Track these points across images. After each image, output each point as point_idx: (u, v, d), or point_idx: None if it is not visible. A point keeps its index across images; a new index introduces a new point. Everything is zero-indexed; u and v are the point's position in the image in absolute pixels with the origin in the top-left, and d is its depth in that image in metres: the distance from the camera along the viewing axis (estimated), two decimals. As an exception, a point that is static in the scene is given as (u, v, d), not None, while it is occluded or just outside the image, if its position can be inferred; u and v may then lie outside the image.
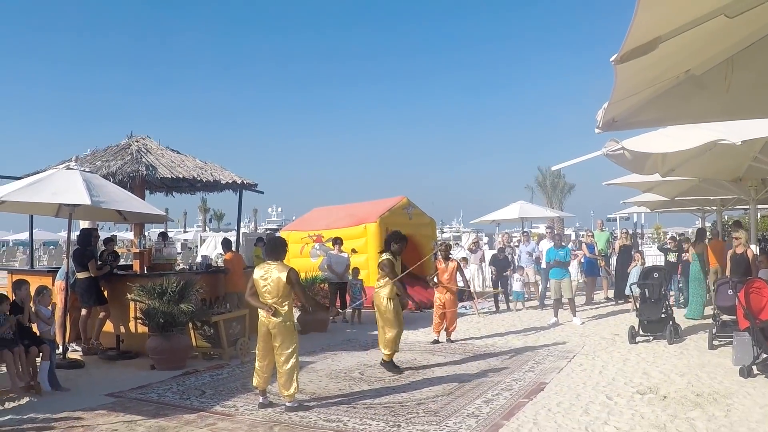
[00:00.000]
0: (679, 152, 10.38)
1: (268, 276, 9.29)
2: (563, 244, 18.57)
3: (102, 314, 13.63)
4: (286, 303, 9.31)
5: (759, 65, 5.81)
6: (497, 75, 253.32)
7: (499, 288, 21.42)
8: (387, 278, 11.88)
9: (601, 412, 8.85)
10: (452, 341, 14.88)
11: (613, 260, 23.68)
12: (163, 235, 17.24)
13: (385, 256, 12.07)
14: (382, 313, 11.91)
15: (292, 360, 9.28)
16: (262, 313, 9.32)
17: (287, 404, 9.27)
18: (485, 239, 50.48)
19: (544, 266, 21.10)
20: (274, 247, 9.69)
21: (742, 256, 14.24)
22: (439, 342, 14.77)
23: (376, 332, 12.89)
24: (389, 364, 11.81)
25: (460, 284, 17.09)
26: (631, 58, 4.45)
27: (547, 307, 20.83)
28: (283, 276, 9.20)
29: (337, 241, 19.41)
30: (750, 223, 16.22)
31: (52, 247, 52.49)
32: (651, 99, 6.10)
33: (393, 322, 11.83)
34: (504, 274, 21.35)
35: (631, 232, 35.32)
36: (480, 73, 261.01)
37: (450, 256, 15.81)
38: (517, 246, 25.13)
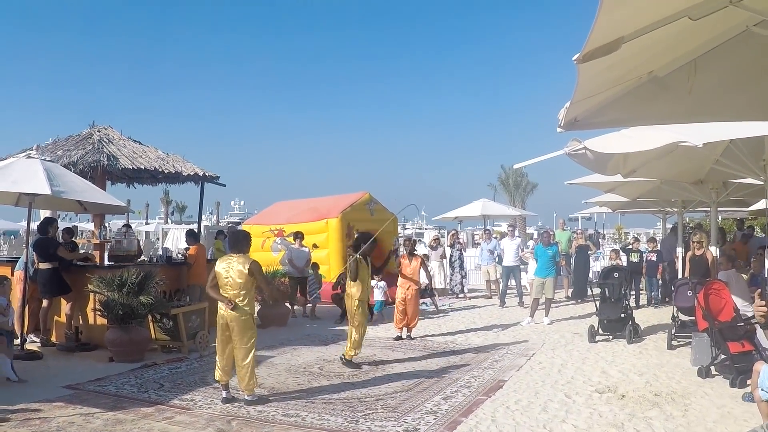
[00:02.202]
0: (640, 153, 10.41)
1: (229, 268, 9.28)
2: (552, 242, 18.38)
3: (68, 304, 13.54)
4: (247, 297, 9.29)
5: (722, 68, 5.84)
6: (467, 75, 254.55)
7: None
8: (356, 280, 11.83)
9: (560, 411, 8.89)
10: (412, 338, 14.83)
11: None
12: (127, 227, 17.12)
13: (354, 257, 11.90)
14: (351, 314, 11.85)
15: (251, 355, 9.29)
16: (221, 305, 9.29)
17: (247, 398, 9.26)
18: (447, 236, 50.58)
19: (508, 264, 21.21)
20: (237, 240, 9.69)
21: (701, 257, 14.35)
22: (402, 338, 14.74)
23: (335, 327, 12.89)
24: (350, 363, 11.73)
25: (425, 280, 17.12)
26: (593, 58, 4.45)
27: (506, 305, 20.90)
28: (245, 268, 9.21)
29: (298, 236, 19.33)
30: (711, 225, 16.31)
31: (12, 236, 51.90)
32: (613, 99, 6.11)
33: (362, 324, 11.82)
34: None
35: (591, 231, 35.45)
36: (448, 75, 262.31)
37: (414, 252, 15.73)
38: (456, 245, 24.99)
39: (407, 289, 14.83)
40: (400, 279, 15.05)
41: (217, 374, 9.45)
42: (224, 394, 9.41)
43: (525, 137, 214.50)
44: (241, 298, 9.24)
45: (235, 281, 9.24)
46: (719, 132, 8.93)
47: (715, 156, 11.40)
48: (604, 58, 4.51)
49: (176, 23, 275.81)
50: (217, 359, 9.44)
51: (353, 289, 11.80)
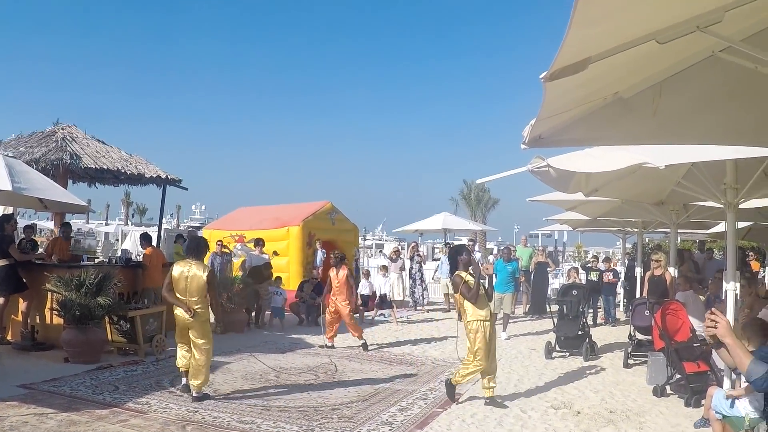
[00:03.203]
0: (603, 173, 10.48)
1: (188, 274, 9.41)
2: (512, 257, 18.50)
3: (25, 303, 13.37)
4: (204, 303, 9.55)
5: (686, 92, 5.90)
6: (432, 88, 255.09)
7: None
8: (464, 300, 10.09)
9: (515, 425, 8.94)
10: (368, 349, 14.79)
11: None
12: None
13: (456, 273, 10.39)
14: (471, 343, 10.04)
15: (207, 356, 9.57)
16: (179, 310, 9.36)
17: (194, 394, 9.53)
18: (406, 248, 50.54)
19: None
20: (196, 246, 9.85)
21: (660, 278, 14.45)
22: (333, 347, 14.90)
23: (292, 335, 12.87)
24: (452, 388, 10.26)
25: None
26: (560, 77, 4.47)
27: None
28: (204, 276, 9.44)
29: (259, 242, 19.27)
30: (670, 246, 16.44)
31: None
32: (578, 118, 6.14)
33: (483, 353, 9.90)
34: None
35: (551, 249, 35.61)
36: (414, 86, 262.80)
37: (341, 264, 15.62)
38: (416, 257, 25.15)
39: (337, 301, 14.90)
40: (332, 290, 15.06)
41: (181, 361, 9.69)
42: (184, 380, 9.58)
43: (487, 153, 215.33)
44: (200, 305, 9.47)
45: (194, 288, 9.43)
46: (682, 154, 9.00)
47: (676, 178, 11.48)
48: (571, 78, 4.53)
49: (139, 26, 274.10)
50: (179, 348, 9.72)
51: (469, 311, 10.07)
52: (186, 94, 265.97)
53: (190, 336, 9.58)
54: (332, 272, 15.20)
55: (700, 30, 4.38)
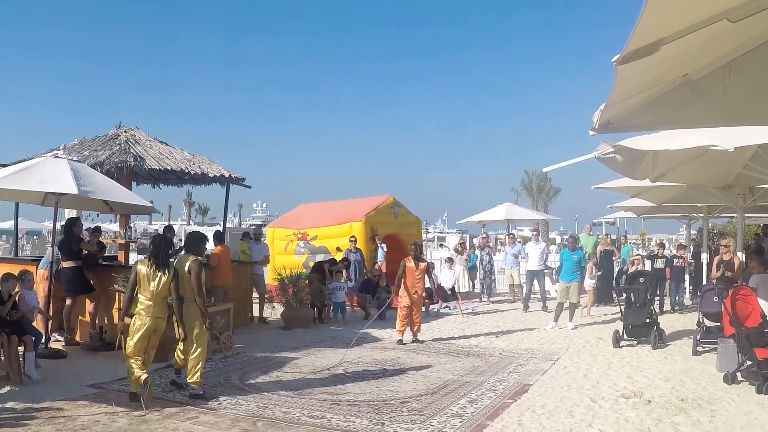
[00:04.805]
0: (670, 157, 10.36)
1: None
2: (577, 246, 18.34)
3: (92, 304, 13.51)
4: None
5: (756, 72, 5.79)
6: (489, 78, 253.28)
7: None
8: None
9: (586, 415, 8.85)
10: (421, 341, 14.87)
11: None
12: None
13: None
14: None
15: None
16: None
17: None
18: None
19: (532, 268, 21.16)
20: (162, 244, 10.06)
21: (729, 263, 14.28)
22: (404, 343, 14.66)
23: (359, 330, 12.90)
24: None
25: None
26: (633, 59, 4.42)
27: (531, 309, 20.82)
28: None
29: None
30: (737, 231, 16.23)
31: (35, 237, 52.07)
32: (647, 102, 6.07)
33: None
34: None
35: (614, 236, 35.33)
36: (471, 77, 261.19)
37: (421, 256, 15.61)
38: (486, 248, 25.10)
39: (413, 294, 14.83)
40: (405, 284, 14.87)
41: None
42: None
43: (546, 142, 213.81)
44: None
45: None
46: (748, 136, 8.87)
47: (743, 161, 11.34)
48: (641, 61, 4.48)
49: (202, 23, 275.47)
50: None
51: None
52: (240, 90, 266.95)
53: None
54: (409, 264, 14.97)
55: (772, 6, 4.30)
